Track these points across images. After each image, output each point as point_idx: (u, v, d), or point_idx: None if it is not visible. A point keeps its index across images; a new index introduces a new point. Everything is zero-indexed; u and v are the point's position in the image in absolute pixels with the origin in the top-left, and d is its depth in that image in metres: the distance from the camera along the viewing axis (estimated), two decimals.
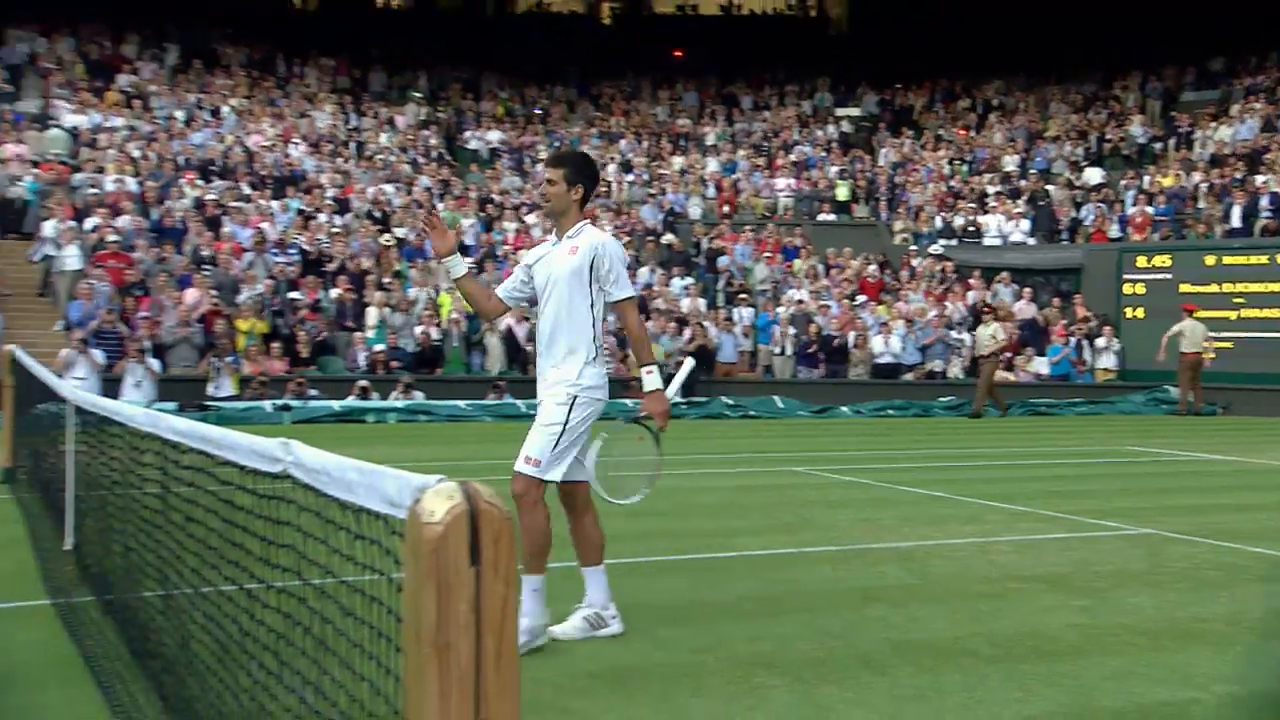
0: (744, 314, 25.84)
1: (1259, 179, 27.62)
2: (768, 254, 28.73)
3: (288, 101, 32.81)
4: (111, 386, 18.70)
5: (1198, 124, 31.12)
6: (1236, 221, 26.92)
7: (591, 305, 5.79)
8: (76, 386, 8.95)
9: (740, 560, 8.06)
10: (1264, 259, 25.60)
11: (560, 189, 5.80)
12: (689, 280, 27.54)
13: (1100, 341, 26.28)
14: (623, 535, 8.60)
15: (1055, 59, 34.88)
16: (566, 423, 5.64)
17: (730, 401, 23.06)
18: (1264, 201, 26.76)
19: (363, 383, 20.82)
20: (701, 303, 26.52)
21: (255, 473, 2.89)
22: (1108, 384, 25.72)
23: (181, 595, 4.02)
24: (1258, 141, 29.18)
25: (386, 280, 24.52)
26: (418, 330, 23.24)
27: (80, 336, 19.55)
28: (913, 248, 29.41)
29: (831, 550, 8.46)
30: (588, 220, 5.99)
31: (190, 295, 21.91)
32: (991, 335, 22.36)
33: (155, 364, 20.17)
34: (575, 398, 5.69)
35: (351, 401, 20.33)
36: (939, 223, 30.21)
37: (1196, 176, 28.87)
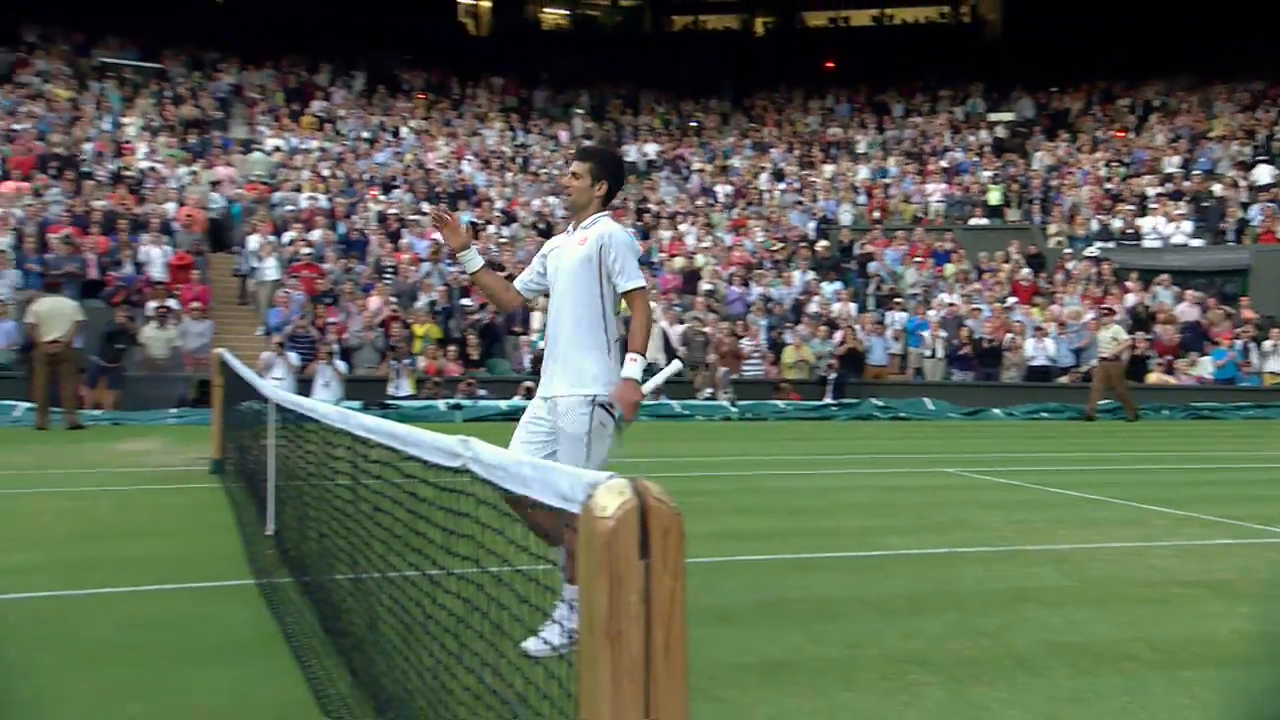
0: (895, 318, 25.56)
1: None
2: (918, 258, 28.42)
3: (461, 121, 33.68)
4: (304, 386, 19.50)
5: None
6: None
7: (601, 296, 5.54)
8: (275, 386, 9.33)
9: (891, 559, 7.95)
10: None
11: (585, 183, 5.60)
12: (839, 285, 27.43)
13: (1268, 344, 25.31)
14: (775, 532, 8.79)
15: (1219, 58, 33.71)
16: (590, 430, 5.42)
17: (880, 403, 22.95)
18: None
19: (528, 383, 21.08)
20: (852, 307, 26.38)
21: (437, 467, 3.03)
22: (1276, 387, 24.79)
23: (370, 579, 4.32)
24: None
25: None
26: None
27: (278, 340, 20.71)
28: (1067, 250, 28.77)
29: (984, 551, 8.29)
30: (606, 214, 5.73)
31: (373, 302, 22.93)
32: (1112, 337, 21.90)
33: (342, 366, 21.09)
34: (594, 399, 5.45)
35: (518, 401, 20.60)
36: (1095, 225, 29.50)
37: None
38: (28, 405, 17.80)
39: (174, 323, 21.34)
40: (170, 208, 25.20)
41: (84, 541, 8.18)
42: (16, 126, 26.98)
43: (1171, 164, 31.12)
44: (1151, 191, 30.21)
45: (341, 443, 4.82)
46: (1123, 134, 33.55)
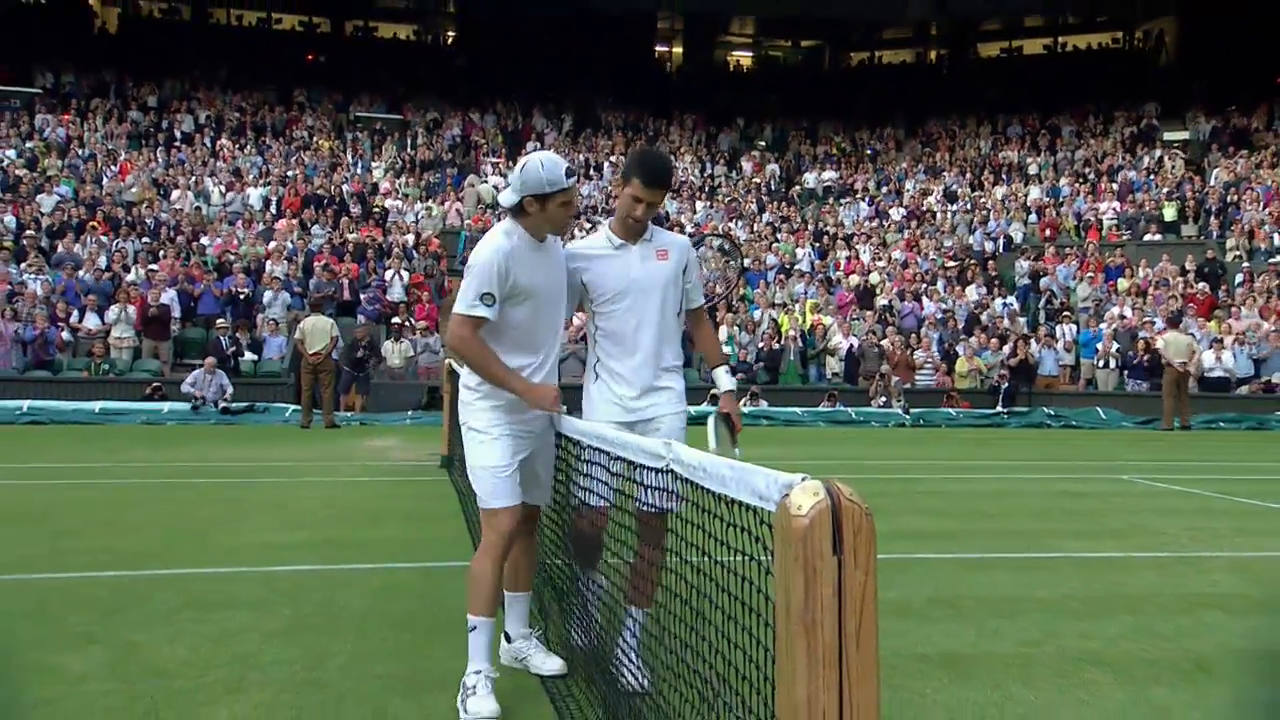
0: (1066, 330, 24.91)
1: None
2: (1090, 274, 27.59)
3: None
4: None
5: None
6: None
7: (678, 313, 4.91)
8: None
9: (1066, 560, 7.70)
10: None
11: (656, 212, 4.92)
12: (1010, 300, 26.90)
13: None
14: (950, 532, 8.63)
15: None
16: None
17: (1051, 412, 22.46)
18: None
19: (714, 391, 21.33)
20: (1022, 321, 25.89)
21: (643, 467, 3.28)
22: None
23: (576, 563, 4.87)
24: None
25: (735, 302, 24.94)
26: (760, 345, 23.65)
27: None
28: (1245, 265, 27.58)
29: (1161, 556, 7.93)
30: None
31: (577, 319, 23.02)
32: (1179, 344, 21.34)
33: None
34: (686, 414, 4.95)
35: (704, 408, 20.73)
36: (1277, 240, 28.22)
37: None
38: (295, 407, 19.75)
39: (409, 337, 22.63)
40: (409, 239, 26.51)
41: (339, 524, 8.80)
42: (290, 173, 28.75)
43: None
44: None
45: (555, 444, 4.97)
46: None
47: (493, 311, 4.18)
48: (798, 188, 33.62)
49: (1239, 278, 27.16)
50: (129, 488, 10.84)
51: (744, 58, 40.33)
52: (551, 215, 4.24)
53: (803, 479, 1.85)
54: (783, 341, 23.83)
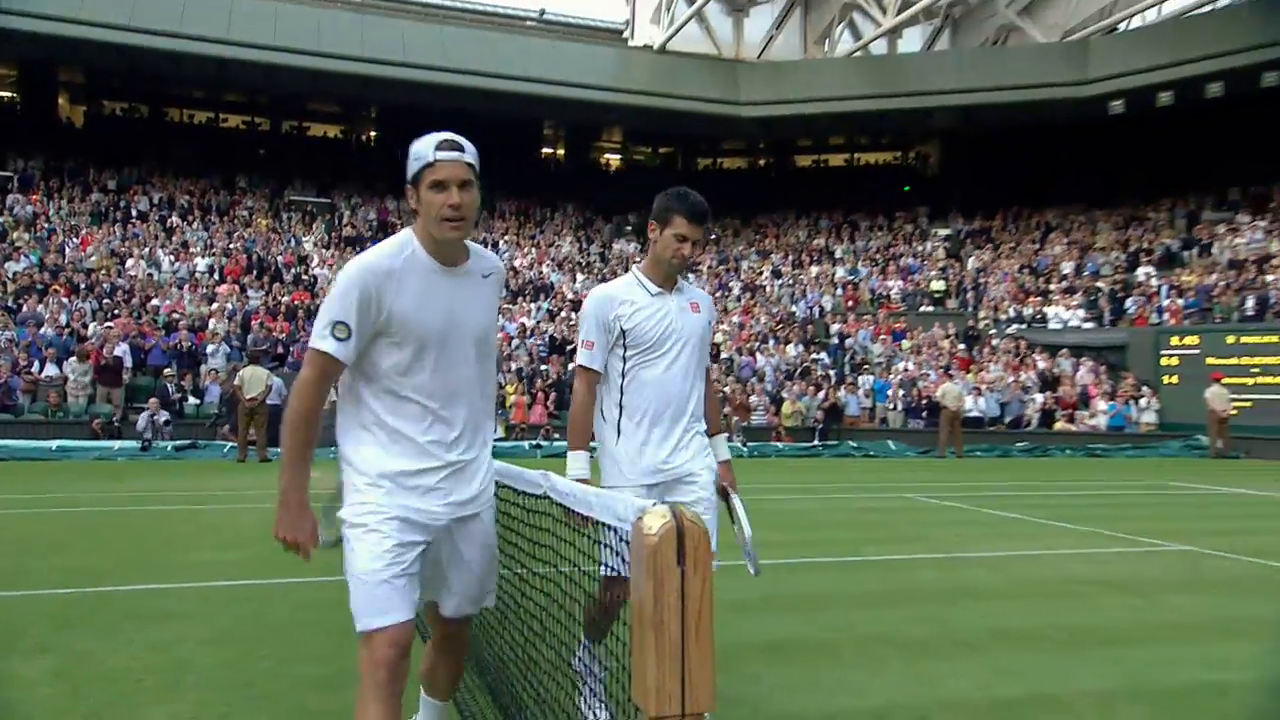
0: (865, 380, 25.55)
1: (1268, 277, 26.39)
2: (883, 336, 28.44)
3: (542, 235, 33.86)
4: None
5: (1216, 237, 29.78)
6: (1250, 310, 25.82)
7: (704, 369, 4.00)
8: None
9: (866, 562, 7.86)
10: (1275, 338, 24.62)
11: (700, 252, 3.86)
12: (824, 355, 27.44)
13: (1143, 401, 25.29)
14: (777, 542, 8.53)
15: (1100, 190, 33.56)
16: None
17: (854, 444, 22.89)
18: (1272, 295, 25.63)
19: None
20: (832, 373, 26.37)
21: (525, 493, 3.25)
22: (1150, 433, 24.61)
23: None
24: (1265, 249, 27.81)
25: None
26: None
27: None
28: (992, 331, 28.72)
29: (937, 557, 8.18)
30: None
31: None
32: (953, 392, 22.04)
33: None
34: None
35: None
36: (1012, 311, 29.46)
37: (1215, 276, 27.66)
38: (232, 445, 18.69)
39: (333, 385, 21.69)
40: None
41: (271, 544, 8.10)
42: (231, 246, 27.90)
43: (1067, 267, 31.02)
44: (1054, 287, 30.14)
45: None
46: (1032, 245, 33.52)
47: (344, 349, 2.53)
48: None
49: (995, 341, 28.17)
50: (82, 515, 10.25)
51: (614, 159, 40.64)
52: (427, 208, 2.56)
53: (654, 504, 1.86)
54: None
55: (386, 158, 34.32)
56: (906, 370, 26.08)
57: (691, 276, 31.45)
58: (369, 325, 2.54)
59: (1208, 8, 28.77)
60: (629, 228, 35.27)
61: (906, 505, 12.25)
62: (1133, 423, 24.97)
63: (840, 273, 32.85)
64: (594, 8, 50.93)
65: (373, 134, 38.24)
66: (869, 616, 5.89)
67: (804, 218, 37.29)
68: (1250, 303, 25.94)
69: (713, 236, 35.93)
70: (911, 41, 34.61)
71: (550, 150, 39.96)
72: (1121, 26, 30.40)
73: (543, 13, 34.97)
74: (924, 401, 24.38)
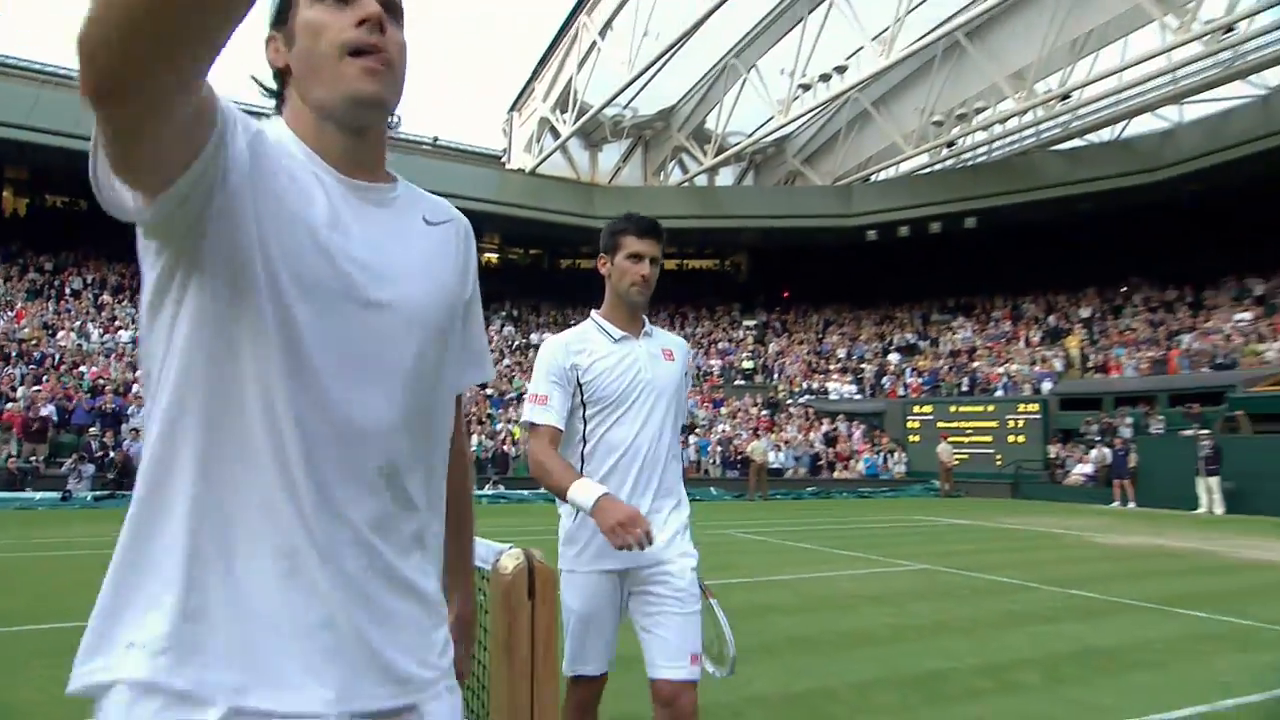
0: (694, 439, 25.98)
1: (974, 364, 28.37)
2: (706, 404, 29.02)
3: None
4: None
5: (941, 334, 32.02)
6: (965, 387, 27.72)
7: (679, 427, 2.85)
8: None
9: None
10: (980, 409, 26.30)
11: (656, 272, 2.65)
12: None
13: (895, 455, 26.60)
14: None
15: (866, 296, 35.46)
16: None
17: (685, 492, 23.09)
18: (979, 376, 27.54)
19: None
20: None
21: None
22: (901, 480, 25.87)
23: None
24: (973, 343, 30.02)
25: (483, 417, 24.57)
26: (490, 443, 23.14)
27: None
28: (788, 400, 29.71)
29: (749, 580, 8.27)
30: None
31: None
32: (759, 449, 22.56)
33: None
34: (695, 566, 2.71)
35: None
36: (803, 385, 30.59)
37: (941, 362, 29.67)
38: None
39: None
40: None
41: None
42: None
43: (841, 352, 32.55)
44: (832, 367, 31.53)
45: None
46: (815, 335, 35.08)
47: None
48: (525, 342, 33.78)
49: (787, 408, 29.15)
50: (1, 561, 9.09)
51: (492, 257, 40.59)
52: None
53: (509, 548, 1.73)
54: (515, 446, 23.62)
55: None
56: (724, 431, 26.66)
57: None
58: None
59: (929, 170, 31.32)
60: (503, 314, 35.22)
61: (727, 540, 12.33)
62: (887, 471, 26.20)
63: None
64: (478, 138, 51.20)
65: None
66: None
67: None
68: (965, 382, 28.04)
69: (571, 324, 36.14)
70: (726, 177, 36.30)
71: None
72: (874, 177, 32.62)
73: (436, 139, 35.05)
74: (738, 456, 24.97)
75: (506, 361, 30.45)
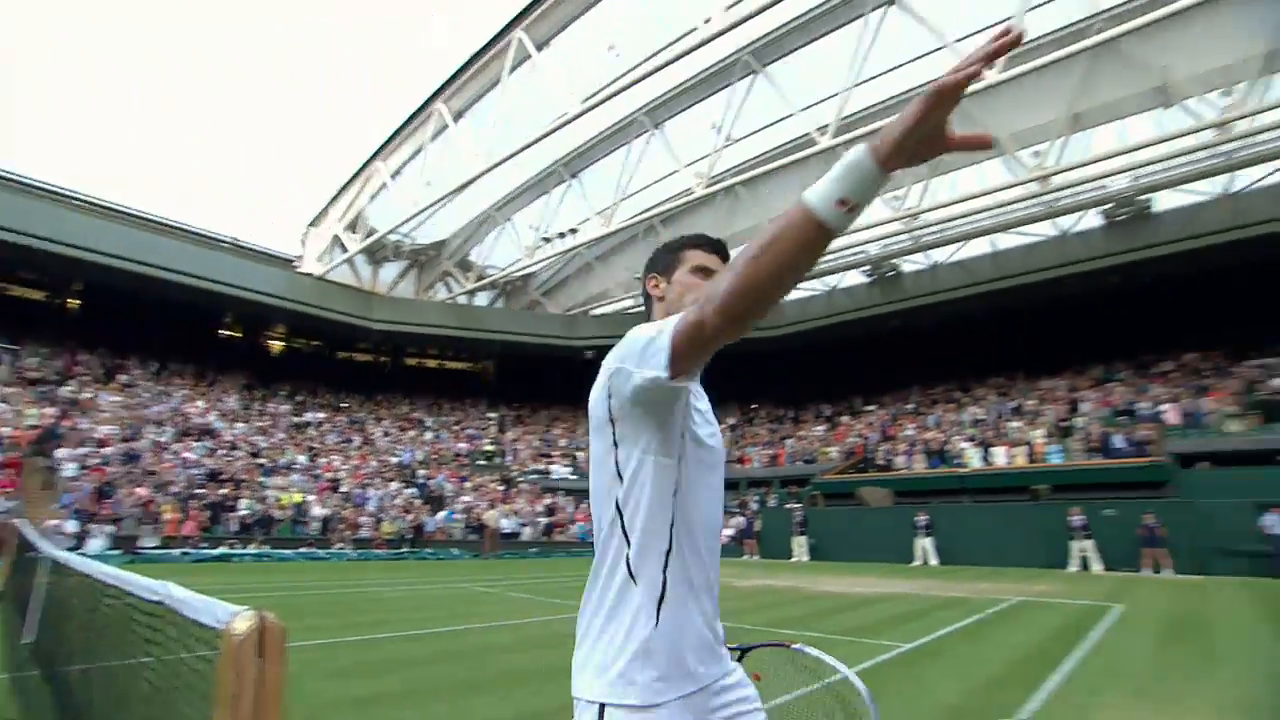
0: (440, 509, 24.90)
1: None
2: (453, 479, 28.01)
3: (212, 390, 29.12)
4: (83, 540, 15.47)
5: None
6: None
7: None
8: (58, 543, 6.82)
9: (432, 635, 7.26)
10: None
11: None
12: (414, 489, 26.18)
13: None
14: (377, 622, 7.78)
15: (578, 401, 36.76)
16: None
17: (431, 551, 21.88)
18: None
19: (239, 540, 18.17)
20: (418, 502, 25.23)
21: (141, 599, 2.33)
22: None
23: (96, 669, 3.04)
24: None
25: (254, 483, 21.78)
26: (259, 507, 20.62)
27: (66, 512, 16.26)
28: (520, 478, 29.52)
29: (481, 626, 7.87)
30: None
31: (141, 491, 18.71)
32: (493, 517, 22.59)
33: (109, 529, 16.84)
34: None
35: (228, 550, 17.74)
36: (532, 466, 30.59)
37: None
38: None
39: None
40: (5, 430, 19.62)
41: None
42: None
43: (562, 442, 33.13)
44: (555, 453, 31.93)
45: (80, 579, 3.52)
46: (542, 427, 35.55)
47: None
48: (301, 420, 30.70)
49: (519, 485, 28.71)
50: None
51: (277, 344, 36.82)
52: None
53: (244, 609, 1.51)
54: (282, 510, 21.23)
55: (88, 321, 28.24)
56: (467, 502, 25.83)
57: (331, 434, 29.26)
58: None
59: (634, 310, 33.79)
60: (283, 393, 31.82)
61: (465, 592, 11.84)
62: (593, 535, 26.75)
63: (429, 436, 32.18)
64: (274, 242, 46.86)
65: (77, 302, 30.28)
66: (433, 671, 5.45)
67: (407, 398, 36.32)
68: None
69: (343, 405, 33.62)
70: (482, 300, 36.37)
71: (229, 332, 35.27)
72: (594, 311, 34.48)
73: (236, 239, 31.69)
74: (478, 523, 24.29)
75: (281, 435, 27.42)
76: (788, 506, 23.91)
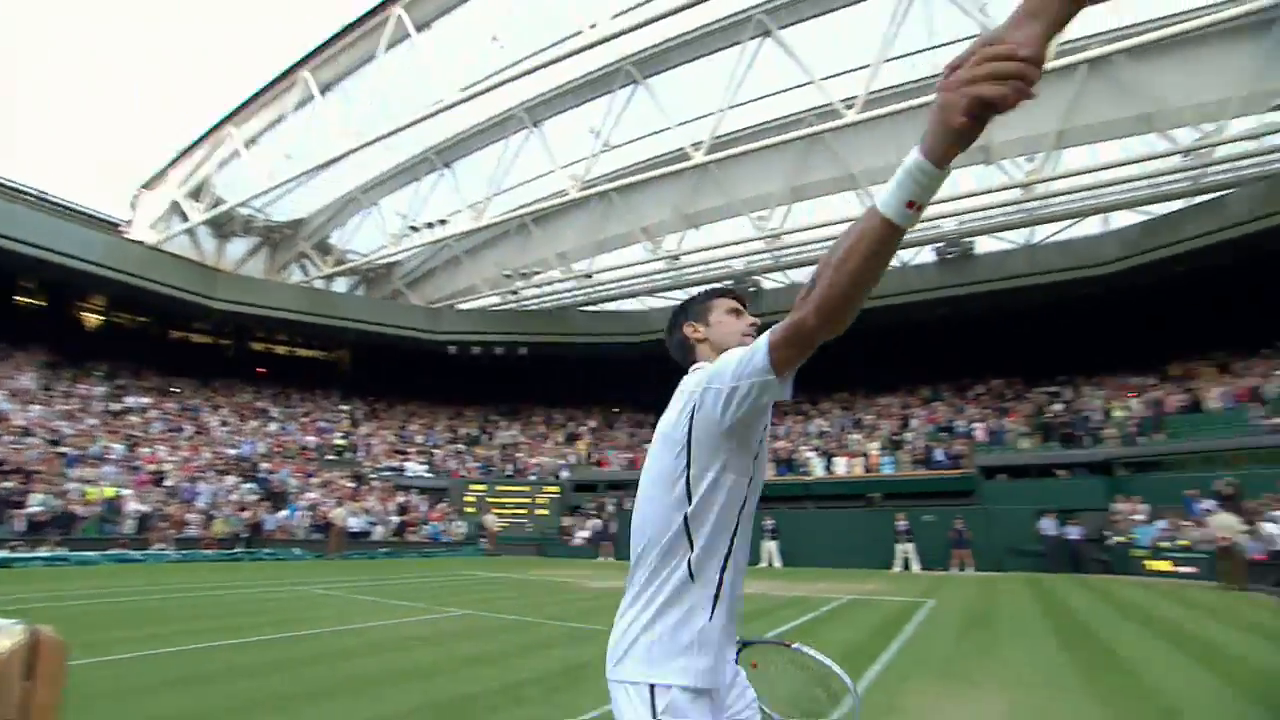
0: (282, 506, 23.17)
1: (518, 454, 29.90)
2: (298, 474, 26.16)
3: (1, 367, 25.24)
4: None
5: (490, 432, 33.23)
6: (510, 471, 28.94)
7: None
8: None
9: (268, 641, 6.79)
10: (516, 488, 27.62)
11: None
12: (254, 484, 24.17)
13: (457, 522, 26.55)
14: (204, 630, 7.26)
15: (439, 397, 35.71)
16: None
17: (269, 551, 20.33)
18: (520, 464, 29.01)
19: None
20: (255, 497, 23.31)
21: None
22: (458, 541, 25.83)
23: None
24: (515, 439, 31.57)
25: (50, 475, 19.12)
26: (57, 503, 18.18)
27: None
28: (372, 475, 28.19)
29: (318, 631, 7.48)
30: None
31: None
32: (341, 515, 22.01)
33: None
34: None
35: (9, 555, 15.46)
36: (385, 463, 29.25)
37: (494, 453, 30.68)
38: None
39: None
40: None
41: None
42: None
43: (419, 438, 31.97)
44: (411, 450, 30.73)
45: None
46: (398, 423, 34.12)
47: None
48: (120, 407, 27.32)
49: (371, 481, 27.37)
50: None
51: (92, 318, 32.70)
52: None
53: (10, 623, 1.31)
54: (88, 506, 18.76)
55: None
56: (313, 499, 24.21)
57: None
58: None
59: (499, 308, 32.82)
60: (99, 373, 28.25)
61: (305, 595, 11.12)
62: (448, 535, 26.04)
63: (273, 427, 29.78)
64: (96, 202, 41.33)
65: None
66: (265, 683, 5.09)
67: (251, 386, 33.41)
68: (510, 468, 29.46)
69: (174, 390, 30.36)
70: (340, 285, 34.26)
71: (29, 299, 30.75)
72: (459, 305, 33.30)
73: (44, 193, 27.67)
74: (324, 521, 22.87)
75: (92, 421, 24.33)
76: None
